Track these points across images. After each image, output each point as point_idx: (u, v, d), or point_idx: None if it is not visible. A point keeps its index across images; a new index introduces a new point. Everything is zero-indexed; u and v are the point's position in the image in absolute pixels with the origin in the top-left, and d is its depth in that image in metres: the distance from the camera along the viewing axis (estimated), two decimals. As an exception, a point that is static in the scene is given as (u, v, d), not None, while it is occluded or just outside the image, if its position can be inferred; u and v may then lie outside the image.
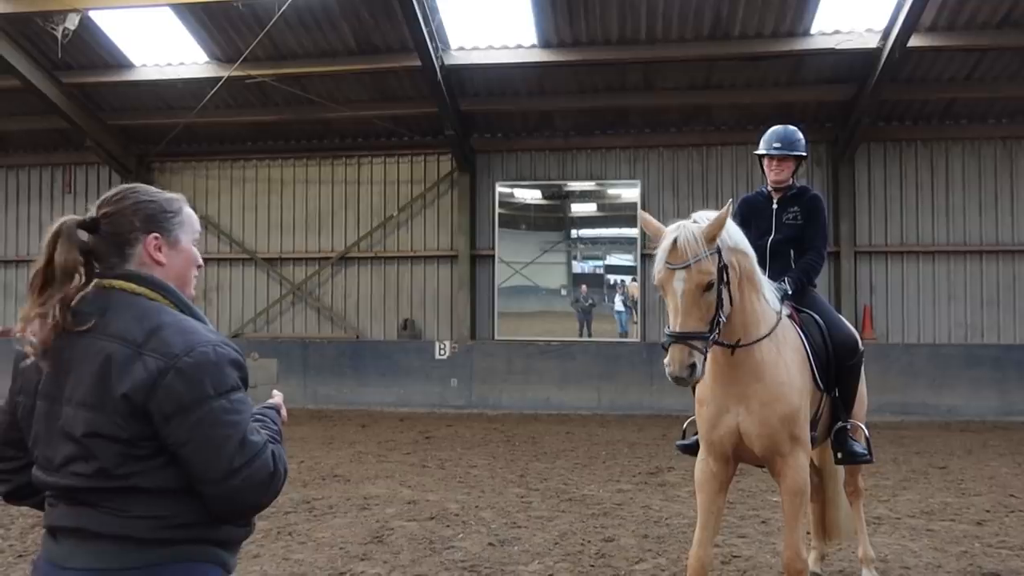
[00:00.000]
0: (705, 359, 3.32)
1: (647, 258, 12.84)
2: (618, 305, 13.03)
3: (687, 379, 3.28)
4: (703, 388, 3.76)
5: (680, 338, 3.26)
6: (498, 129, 13.22)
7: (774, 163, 4.44)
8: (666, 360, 3.30)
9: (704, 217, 3.46)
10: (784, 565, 3.70)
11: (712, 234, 3.34)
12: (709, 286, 3.31)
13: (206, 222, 13.93)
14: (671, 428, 10.48)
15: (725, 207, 3.46)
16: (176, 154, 13.94)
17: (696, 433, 3.98)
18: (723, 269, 3.40)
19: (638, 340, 12.70)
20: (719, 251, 3.38)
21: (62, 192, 14.50)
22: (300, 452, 9.01)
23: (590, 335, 12.90)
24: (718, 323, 3.37)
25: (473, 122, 13.00)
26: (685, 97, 12.22)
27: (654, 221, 3.59)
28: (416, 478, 7.64)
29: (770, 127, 4.62)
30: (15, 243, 14.61)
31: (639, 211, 3.75)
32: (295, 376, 12.85)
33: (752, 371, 3.56)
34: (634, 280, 12.94)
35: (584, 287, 13.09)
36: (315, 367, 12.85)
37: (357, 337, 13.34)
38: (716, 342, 3.44)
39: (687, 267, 3.29)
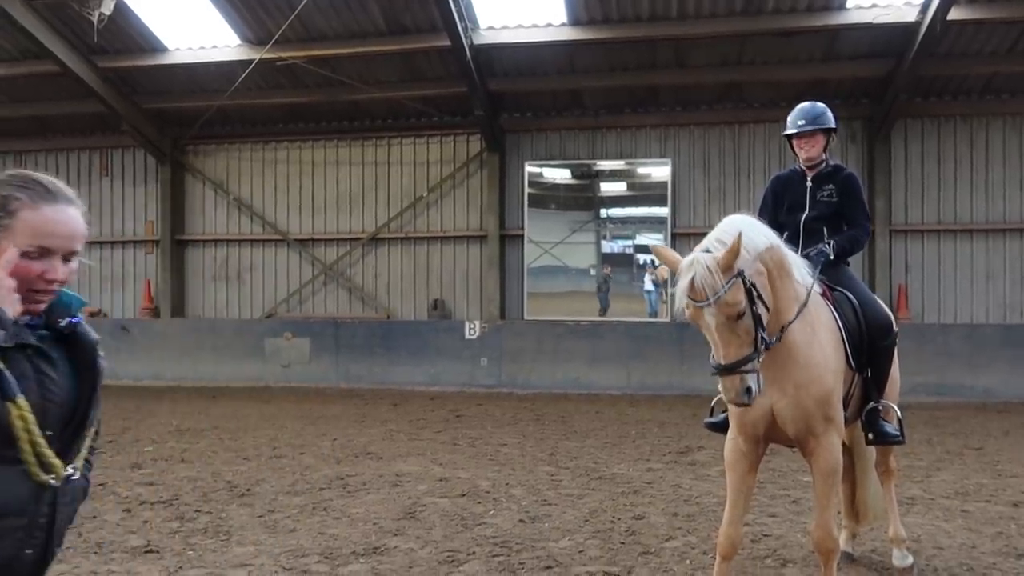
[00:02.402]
0: (759, 376, 3.27)
1: (677, 237, 12.77)
2: (647, 285, 12.98)
3: (748, 402, 3.26)
4: None
5: (728, 370, 3.22)
6: (527, 108, 13.18)
7: (803, 141, 4.40)
8: (720, 389, 3.33)
9: (716, 243, 3.33)
10: (815, 544, 3.70)
11: (728, 263, 3.19)
12: (740, 315, 3.21)
13: (239, 203, 14.13)
14: (701, 407, 10.46)
15: (736, 238, 3.23)
16: (209, 137, 14.10)
17: (724, 411, 3.98)
18: (751, 288, 3.28)
19: (667, 320, 12.65)
20: (741, 273, 3.23)
21: (99, 175, 14.76)
22: (333, 430, 9.17)
23: (604, 314, 12.89)
24: (762, 339, 3.31)
25: (502, 102, 12.97)
26: (716, 74, 12.07)
27: (669, 252, 3.45)
28: (447, 456, 7.73)
29: (802, 103, 4.58)
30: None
31: (651, 244, 3.69)
32: (327, 355, 13.01)
33: (787, 353, 3.50)
34: (664, 260, 12.86)
35: (607, 267, 13.07)
36: (347, 346, 12.99)
37: (388, 317, 13.47)
38: (766, 348, 3.36)
39: (710, 304, 3.17)
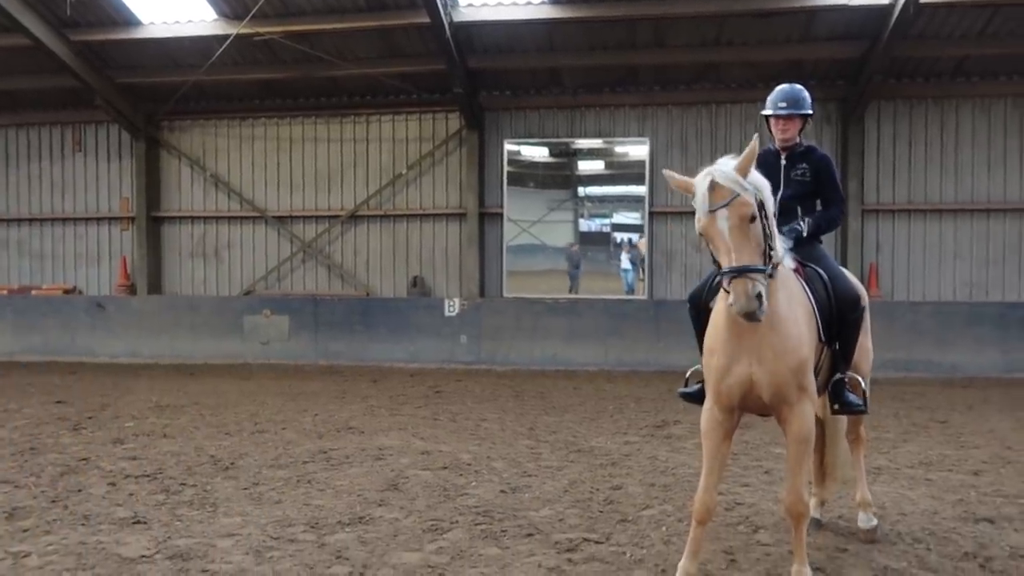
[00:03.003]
0: (767, 290, 3.38)
1: (654, 216, 12.92)
2: (625, 263, 13.13)
3: (757, 310, 3.31)
4: (713, 338, 3.85)
5: (739, 272, 3.32)
6: (506, 86, 13.20)
7: (780, 123, 4.50)
8: (730, 299, 3.36)
9: (729, 159, 3.54)
10: (786, 509, 3.86)
11: (745, 168, 3.46)
12: (752, 218, 3.41)
13: (216, 180, 14.04)
14: (677, 383, 10.61)
15: (753, 141, 3.55)
16: (184, 112, 13.97)
17: (700, 382, 4.12)
18: (760, 204, 3.49)
19: (645, 297, 12.83)
20: (759, 198, 3.49)
21: (72, 151, 14.57)
22: (314, 406, 9.24)
23: (574, 292, 13.05)
24: (771, 256, 3.50)
25: (481, 79, 12.98)
26: (695, 54, 12.17)
27: (679, 176, 3.68)
28: (428, 430, 7.85)
29: (779, 83, 4.69)
30: (28, 201, 14.73)
31: (664, 171, 3.79)
32: (306, 332, 13.04)
33: (767, 323, 3.59)
34: (641, 238, 13.01)
35: (575, 245, 13.21)
36: (326, 323, 13.03)
37: (367, 294, 13.51)
38: (772, 270, 3.50)
39: (728, 204, 3.38)
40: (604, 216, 13.30)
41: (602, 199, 13.37)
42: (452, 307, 12.71)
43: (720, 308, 3.77)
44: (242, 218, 14.03)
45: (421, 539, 4.72)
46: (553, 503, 5.42)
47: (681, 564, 3.89)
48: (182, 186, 14.22)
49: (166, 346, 13.33)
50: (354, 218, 13.70)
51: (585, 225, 13.33)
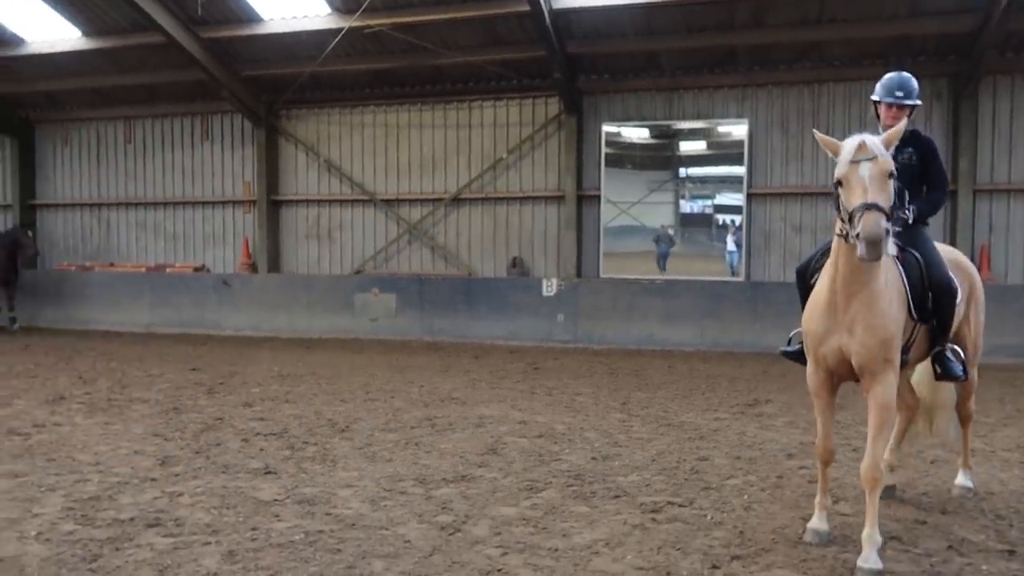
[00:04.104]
0: (890, 237, 3.77)
1: (753, 197, 12.90)
2: (730, 245, 13.12)
3: (882, 242, 3.65)
4: (813, 308, 4.29)
5: (872, 206, 3.70)
6: (605, 70, 13.40)
7: (892, 110, 4.70)
8: (858, 228, 3.68)
9: (870, 136, 3.99)
10: (862, 473, 4.12)
11: (890, 142, 3.97)
12: (890, 175, 3.85)
13: (329, 165, 14.89)
14: (773, 365, 10.73)
15: (902, 122, 4.14)
16: (300, 102, 14.86)
17: (800, 343, 4.60)
18: (895, 170, 3.93)
19: (742, 279, 12.85)
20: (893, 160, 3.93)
21: (201, 139, 15.73)
22: (419, 378, 9.86)
23: (664, 270, 13.19)
24: (894, 217, 3.94)
25: (580, 64, 13.24)
26: (796, 33, 12.03)
27: (828, 137, 4.13)
28: (526, 402, 8.31)
29: (886, 61, 5.00)
30: (161, 187, 16.01)
31: (814, 131, 4.33)
32: (412, 310, 13.74)
33: (864, 302, 4.01)
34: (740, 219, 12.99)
35: (663, 226, 13.33)
36: (430, 302, 13.68)
37: (469, 274, 14.07)
38: (893, 231, 3.86)
39: (872, 159, 3.82)
40: (706, 197, 13.35)
41: (703, 180, 13.40)
42: (550, 287, 13.11)
43: (822, 283, 4.22)
44: (352, 201, 14.83)
45: (517, 496, 5.17)
46: (640, 470, 5.78)
47: (817, 500, 4.46)
48: (298, 171, 15.14)
49: (284, 321, 14.30)
50: (457, 201, 14.27)
51: (686, 206, 13.41)
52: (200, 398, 8.56)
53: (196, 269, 15.41)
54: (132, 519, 4.74)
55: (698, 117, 13.18)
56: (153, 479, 5.56)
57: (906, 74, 4.74)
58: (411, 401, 8.36)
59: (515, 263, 13.83)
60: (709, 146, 13.38)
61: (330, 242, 14.96)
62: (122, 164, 16.26)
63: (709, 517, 4.77)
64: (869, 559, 3.88)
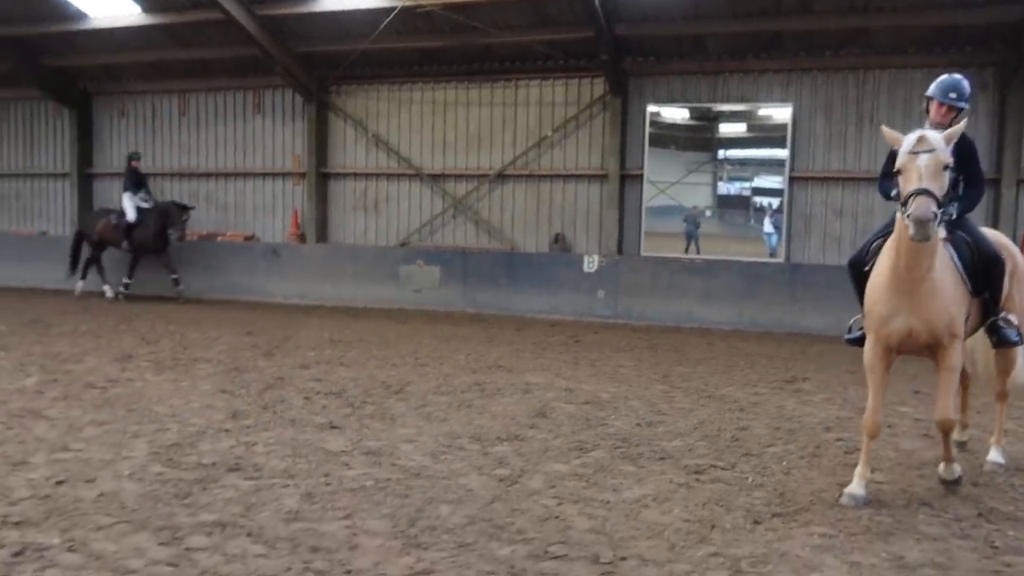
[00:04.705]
0: (938, 221, 4.18)
1: (795, 180, 13.02)
2: (768, 227, 13.26)
3: (930, 223, 4.08)
4: (875, 292, 4.69)
5: (924, 191, 4.15)
6: (651, 52, 13.54)
7: (943, 109, 4.99)
8: (910, 209, 4.14)
9: (930, 131, 4.43)
10: (937, 421, 4.75)
11: (950, 138, 4.37)
12: (945, 167, 4.26)
13: (376, 140, 15.25)
14: (811, 345, 10.95)
15: (962, 123, 4.58)
16: (350, 78, 15.20)
17: (860, 328, 5.01)
18: (952, 168, 4.33)
19: (781, 261, 13.00)
20: (949, 155, 4.31)
21: (253, 113, 16.17)
22: (465, 347, 10.23)
23: (698, 252, 13.40)
24: (944, 208, 4.30)
25: (627, 46, 13.39)
26: (843, 20, 12.06)
27: (893, 132, 4.56)
28: (570, 372, 8.64)
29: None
30: (214, 158, 16.51)
31: (882, 128, 4.75)
32: (456, 282, 14.11)
33: (928, 285, 4.48)
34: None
35: (696, 207, 13.52)
36: (474, 275, 14.03)
37: (512, 249, 14.38)
38: (943, 218, 4.32)
39: (931, 151, 4.24)
40: (744, 179, 13.48)
41: (742, 162, 13.53)
42: (591, 263, 13.38)
43: (882, 266, 4.66)
44: (399, 175, 15.19)
45: (568, 455, 5.52)
46: (684, 436, 6.09)
47: (857, 470, 4.77)
48: (347, 145, 15.52)
49: (331, 290, 14.74)
50: (501, 177, 14.56)
51: (724, 188, 13.57)
52: (258, 360, 9.02)
53: (246, 238, 15.91)
54: (214, 464, 5.16)
55: (742, 100, 13.29)
56: (227, 430, 5.99)
57: (959, 76, 5.07)
58: (459, 367, 8.73)
59: (557, 239, 14.12)
60: (750, 128, 13.49)
61: (376, 214, 15.36)
62: (176, 136, 16.77)
63: (750, 480, 5.07)
64: (954, 472, 4.80)
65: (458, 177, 14.81)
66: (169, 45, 15.40)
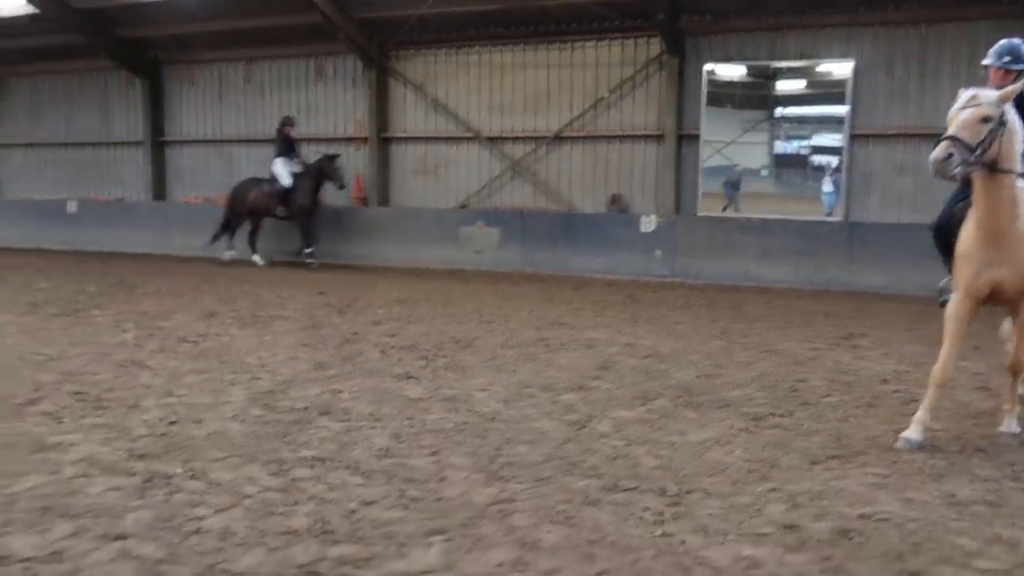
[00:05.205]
0: (959, 165, 4.46)
1: (855, 138, 12.93)
2: (827, 187, 13.22)
3: (942, 165, 4.42)
4: (965, 249, 4.86)
5: (950, 136, 4.46)
6: (707, 10, 13.49)
7: (1000, 73, 5.17)
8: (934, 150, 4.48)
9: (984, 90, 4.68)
10: (1009, 364, 5.06)
11: (1006, 97, 4.58)
12: (986, 120, 4.48)
13: (435, 104, 15.55)
14: (868, 303, 11.02)
15: (1019, 84, 4.73)
16: (409, 43, 15.48)
17: (950, 291, 5.15)
18: (1001, 123, 4.52)
19: (839, 219, 12.99)
20: (1003, 115, 4.53)
21: (314, 80, 16.60)
22: (526, 304, 10.58)
23: (737, 210, 13.44)
24: (981, 152, 4.47)
25: (683, 4, 13.35)
26: (907, -29, 11.87)
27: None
28: (629, 328, 8.93)
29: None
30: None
31: (960, 90, 4.99)
32: (514, 243, 14.43)
33: (1014, 237, 4.67)
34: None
35: (738, 166, 13.51)
36: (532, 236, 14.32)
37: (569, 210, 14.63)
38: (977, 163, 4.51)
39: (976, 105, 4.52)
40: (802, 138, 13.42)
41: (800, 120, 13.45)
42: (648, 224, 13.56)
43: (969, 223, 4.84)
44: (458, 139, 15.49)
45: (632, 403, 5.85)
46: (743, 387, 6.36)
47: (917, 416, 4.95)
48: (407, 110, 15.86)
49: (394, 252, 15.17)
50: (558, 139, 14.75)
51: (781, 147, 13.53)
52: (333, 317, 9.51)
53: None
54: (306, 408, 5.63)
55: (801, 57, 13.17)
56: (313, 379, 6.47)
57: (1017, 40, 5.19)
58: (523, 324, 9.09)
59: (614, 200, 14.30)
60: (809, 85, 13.38)
61: (436, 178, 15.72)
62: (242, 103, 17.33)
63: (807, 426, 5.34)
64: (1011, 425, 5.01)
65: (515, 139, 15.05)
66: (235, 14, 15.88)
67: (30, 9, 16.10)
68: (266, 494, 4.07)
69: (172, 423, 5.25)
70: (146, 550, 3.43)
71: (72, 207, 18.36)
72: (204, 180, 17.98)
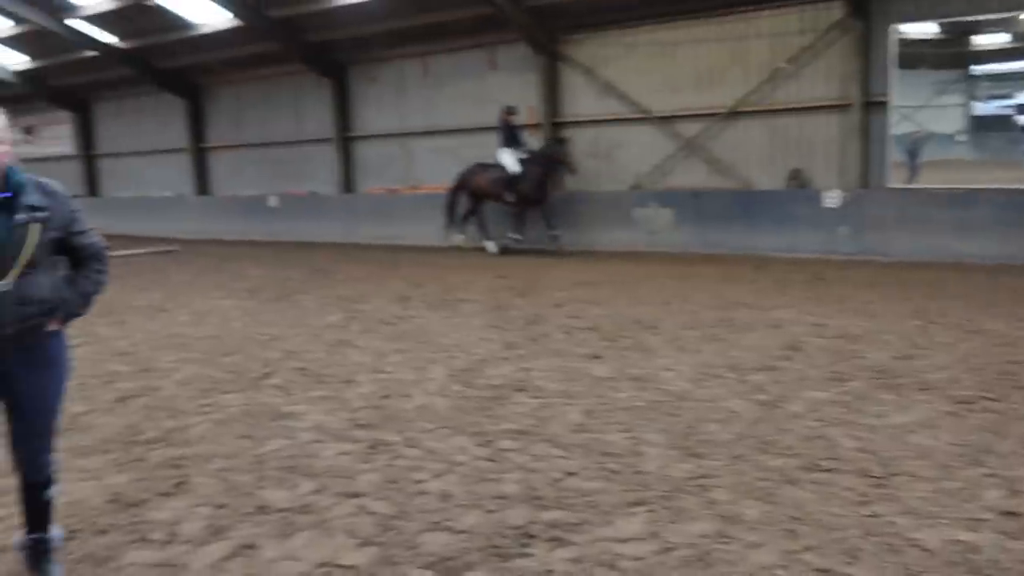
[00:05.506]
0: None
1: (1073, 96, 11.70)
2: (1038, 149, 12.10)
3: None
4: None
5: None
6: (897, -32, 12.65)
7: None
8: None
9: None
10: None
11: None
12: None
13: (606, 86, 15.60)
14: (1089, 278, 10.01)
15: None
16: (579, 27, 15.59)
17: None
18: None
19: (1055, 187, 11.82)
20: None
21: (488, 69, 17.12)
22: (704, 285, 10.49)
23: (916, 180, 12.45)
24: None
25: (869, -36, 12.62)
26: None
27: None
28: (816, 308, 8.66)
29: None
30: (454, 115, 17.73)
31: None
32: (689, 223, 14.26)
33: None
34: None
35: (918, 131, 12.48)
36: (707, 215, 14.08)
37: (746, 187, 14.25)
38: None
39: None
40: (1005, 97, 12.29)
41: (1002, 77, 12.29)
42: (832, 198, 12.96)
43: None
44: (629, 120, 15.46)
45: (826, 384, 5.74)
46: (946, 369, 6.05)
47: None
48: (577, 94, 16.02)
49: (571, 235, 15.23)
50: (733, 115, 14.38)
51: (980, 108, 12.46)
52: (515, 299, 9.90)
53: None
54: (502, 385, 5.98)
55: (1001, 9, 12.01)
56: (505, 358, 6.83)
57: None
58: (703, 305, 9.04)
59: (794, 175, 13.78)
60: (1014, 39, 12.19)
61: (608, 160, 15.78)
62: (420, 97, 18.19)
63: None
64: None
65: (688, 118, 14.81)
66: (412, 12, 16.65)
67: (235, 22, 17.71)
68: (476, 462, 4.42)
69: (384, 397, 5.76)
70: (379, 507, 3.86)
71: (273, 201, 20.08)
72: (387, 172, 19.07)
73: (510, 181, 14.68)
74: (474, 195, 15.41)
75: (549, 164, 14.45)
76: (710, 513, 3.69)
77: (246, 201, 20.85)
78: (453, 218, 15.71)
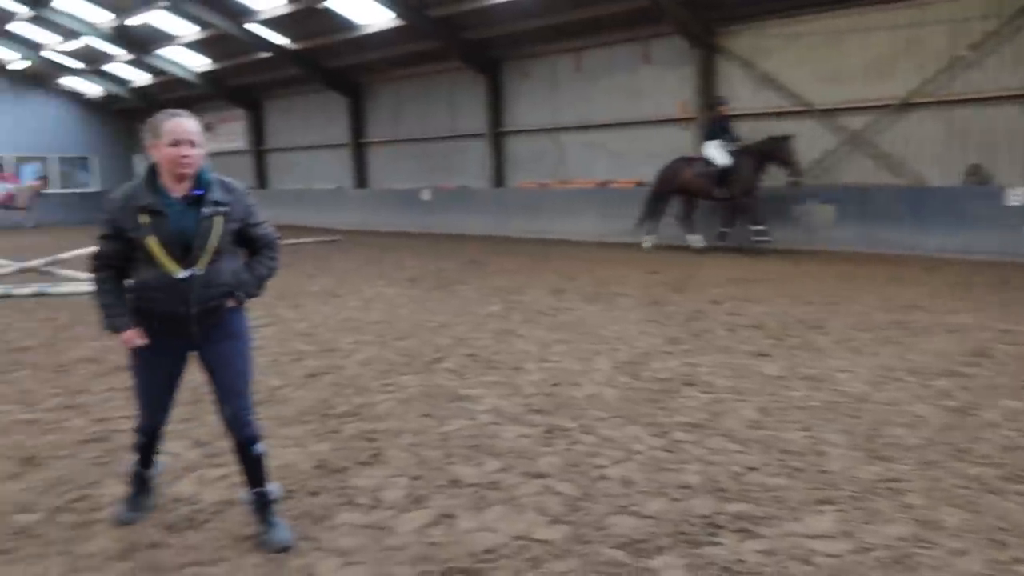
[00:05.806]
0: None
1: None
2: None
3: None
4: None
5: None
6: (1103, -56, 11.57)
7: None
8: None
9: None
10: None
11: None
12: None
13: (764, 78, 15.15)
14: None
15: None
16: (736, 18, 15.23)
17: None
18: None
19: None
20: None
21: (641, 63, 17.03)
22: (871, 286, 10.02)
23: None
24: None
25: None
26: None
27: None
28: (1002, 313, 8.08)
29: None
30: (606, 110, 17.75)
31: None
32: (852, 221, 13.63)
33: None
34: None
35: None
36: (872, 212, 13.41)
37: (916, 183, 13.47)
38: None
39: None
40: None
41: None
42: (1017, 196, 12.03)
43: None
44: (789, 113, 14.95)
45: (1020, 394, 5.39)
46: None
47: None
48: (733, 87, 15.64)
49: (737, 234, 14.89)
50: (904, 107, 13.62)
51: None
52: (671, 295, 9.84)
53: (637, 184, 16.96)
54: (670, 379, 6.00)
55: None
56: (668, 352, 6.83)
57: None
58: (872, 307, 8.66)
59: (973, 171, 12.89)
60: None
61: (765, 155, 15.31)
62: (572, 91, 18.33)
63: None
64: None
65: (853, 110, 14.16)
66: (566, 7, 16.81)
67: (397, 22, 18.49)
68: (653, 452, 4.49)
69: (554, 384, 5.92)
70: (564, 488, 4.00)
71: (426, 195, 20.85)
72: (538, 167, 19.36)
73: (720, 175, 13.90)
74: (680, 192, 14.63)
75: (764, 160, 13.67)
76: (905, 517, 3.59)
77: (401, 194, 21.76)
78: (650, 219, 14.95)
